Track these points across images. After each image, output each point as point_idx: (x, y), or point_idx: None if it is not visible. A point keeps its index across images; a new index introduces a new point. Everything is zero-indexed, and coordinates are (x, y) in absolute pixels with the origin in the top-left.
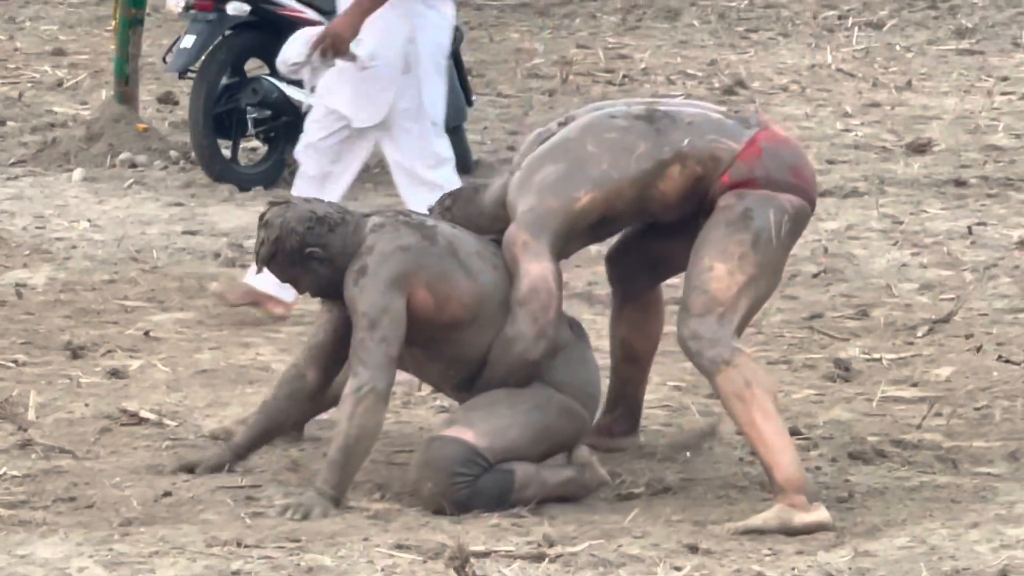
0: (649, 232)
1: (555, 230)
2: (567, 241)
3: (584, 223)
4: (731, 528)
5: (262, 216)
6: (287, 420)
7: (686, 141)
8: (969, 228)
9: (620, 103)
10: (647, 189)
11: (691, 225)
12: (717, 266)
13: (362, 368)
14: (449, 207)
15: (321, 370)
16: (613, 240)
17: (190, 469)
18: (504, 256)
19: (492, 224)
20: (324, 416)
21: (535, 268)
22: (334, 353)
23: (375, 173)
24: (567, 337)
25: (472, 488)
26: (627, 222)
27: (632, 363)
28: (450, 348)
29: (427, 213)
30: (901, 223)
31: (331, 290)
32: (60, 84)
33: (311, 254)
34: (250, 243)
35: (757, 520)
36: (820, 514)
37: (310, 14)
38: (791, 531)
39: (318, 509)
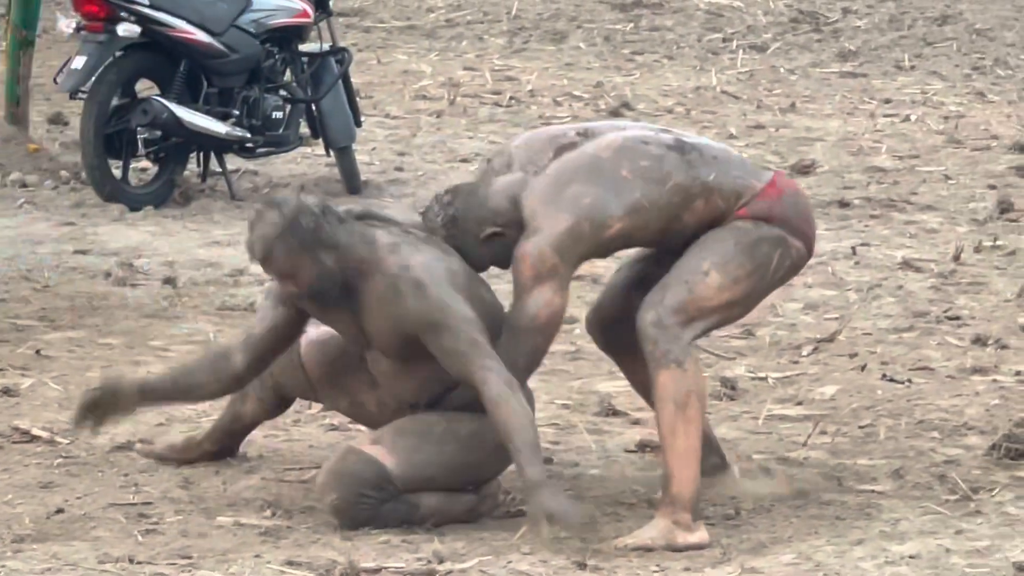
0: (628, 290)
1: (582, 254)
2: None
3: (609, 248)
4: (619, 544)
5: (268, 200)
6: (197, 388)
7: (712, 176)
8: (853, 248)
9: (645, 127)
10: (672, 220)
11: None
12: (713, 275)
13: (493, 362)
14: (450, 202)
15: (251, 358)
16: (591, 311)
17: (94, 406)
18: (516, 267)
19: (492, 218)
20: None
21: (558, 301)
22: (269, 348)
23: (265, 193)
24: None
25: (374, 511)
26: (640, 244)
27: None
28: (434, 365)
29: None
30: None
31: (328, 286)
32: None
33: (323, 239)
34: (140, 262)
35: (645, 538)
36: (701, 535)
37: (200, 36)
38: (675, 549)
39: (562, 498)
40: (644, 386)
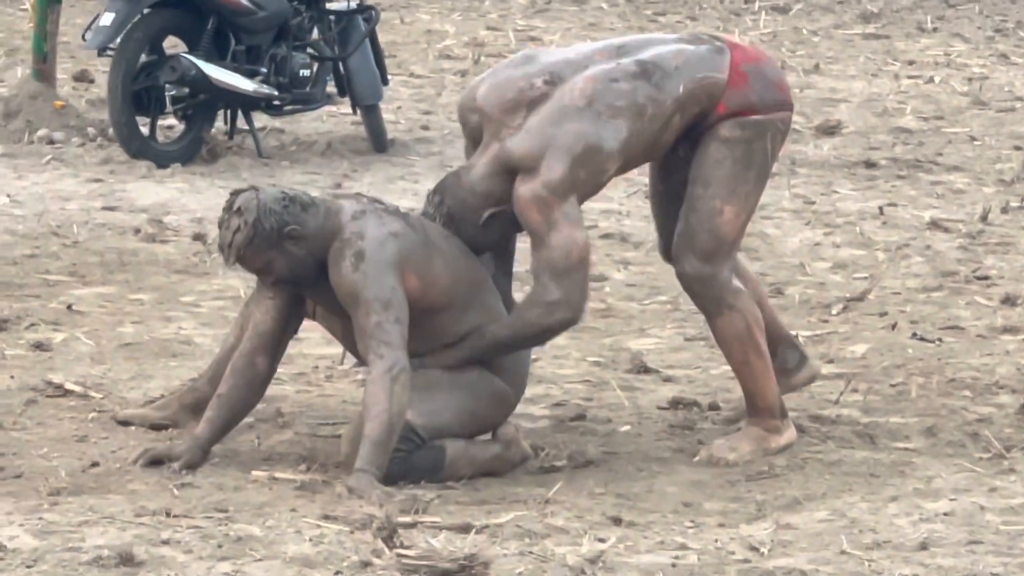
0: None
1: (582, 196)
2: None
3: (605, 183)
4: (715, 459)
5: (230, 205)
6: (245, 408)
7: (681, 88)
8: (880, 209)
9: (602, 59)
10: (656, 141)
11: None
12: (727, 209)
13: (387, 349)
14: (441, 200)
15: (270, 356)
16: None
17: (159, 462)
18: (526, 215)
19: (485, 202)
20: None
21: (580, 235)
22: (281, 338)
23: (291, 151)
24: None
25: (406, 462)
26: (632, 169)
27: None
28: (423, 332)
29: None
30: (813, 203)
31: (302, 273)
32: None
33: (290, 232)
34: (169, 219)
35: (744, 452)
36: (790, 434)
37: None
38: (768, 453)
39: (367, 488)
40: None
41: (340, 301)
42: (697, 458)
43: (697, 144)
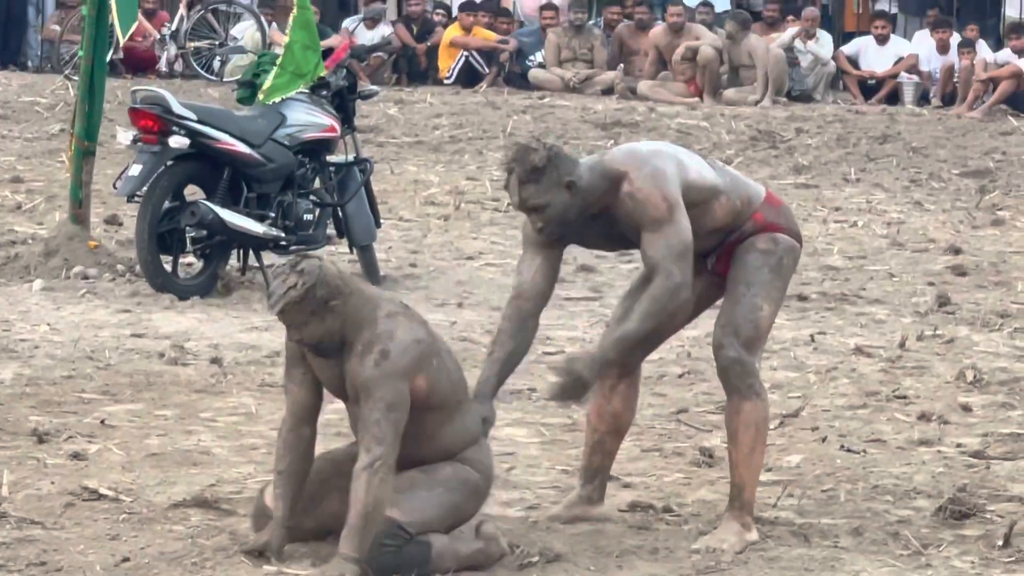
0: None
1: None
2: None
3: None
4: (698, 547)
5: (295, 263)
6: (304, 478)
7: (729, 179)
8: (812, 336)
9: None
10: (708, 205)
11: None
12: (765, 307)
13: (376, 445)
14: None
15: (312, 423)
16: (608, 331)
17: (261, 553)
18: (651, 203)
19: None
20: None
21: (689, 226)
22: (316, 406)
23: None
24: (479, 425)
25: (396, 557)
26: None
27: (616, 436)
28: (410, 429)
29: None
30: None
31: (328, 344)
32: (19, 207)
33: (333, 307)
34: (189, 345)
35: (727, 542)
36: (754, 534)
37: (241, 147)
38: (744, 546)
39: (349, 574)
40: (613, 412)
41: (354, 385)
42: (696, 545)
43: (733, 255)
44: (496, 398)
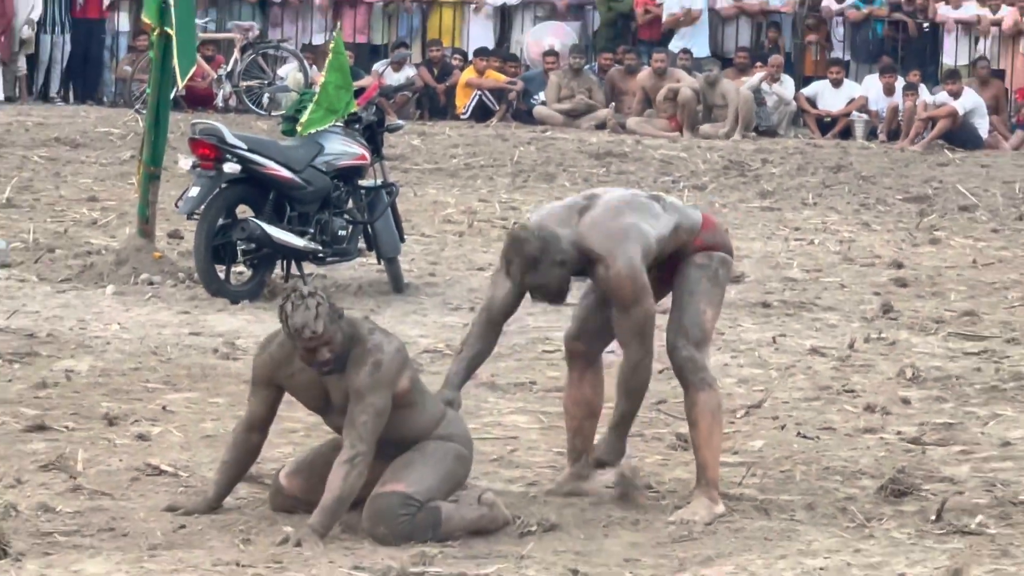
0: (600, 309)
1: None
2: None
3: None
4: (673, 519)
5: (302, 294)
6: (243, 472)
7: (677, 216)
8: (773, 338)
9: (625, 191)
10: (667, 243)
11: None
12: (708, 310)
13: (359, 442)
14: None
15: (262, 431)
16: (571, 326)
17: (173, 510)
18: (619, 285)
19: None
20: None
21: (652, 306)
22: (270, 420)
23: (331, 292)
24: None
25: (411, 524)
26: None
27: (592, 419)
28: (397, 422)
29: None
30: (723, 334)
31: (343, 355)
32: (95, 223)
33: (341, 313)
34: (239, 342)
35: (697, 514)
36: (720, 506)
37: (285, 173)
38: (713, 518)
39: (310, 540)
40: (586, 399)
41: (346, 393)
42: (672, 518)
43: (676, 269)
44: (459, 389)
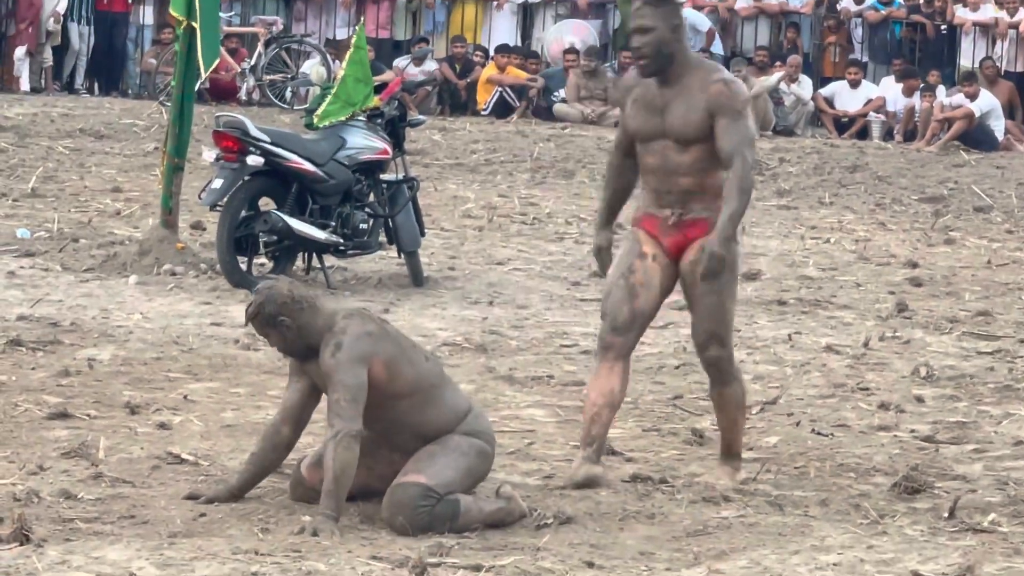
0: (630, 300)
1: None
2: None
3: None
4: (710, 482)
5: (259, 288)
6: (271, 466)
7: None
8: (789, 336)
9: None
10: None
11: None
12: (729, 304)
13: (337, 419)
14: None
15: (294, 424)
16: (604, 322)
17: (194, 498)
18: (733, 95)
19: None
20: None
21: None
22: (304, 410)
23: (352, 284)
24: (473, 403)
25: (430, 515)
26: None
27: (611, 409)
28: (391, 414)
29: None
30: (739, 331)
31: (294, 351)
32: (118, 213)
33: (281, 322)
34: None
35: (726, 482)
36: (742, 473)
37: (308, 166)
38: (736, 484)
39: (326, 528)
40: (611, 389)
41: (322, 376)
42: (704, 476)
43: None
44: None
